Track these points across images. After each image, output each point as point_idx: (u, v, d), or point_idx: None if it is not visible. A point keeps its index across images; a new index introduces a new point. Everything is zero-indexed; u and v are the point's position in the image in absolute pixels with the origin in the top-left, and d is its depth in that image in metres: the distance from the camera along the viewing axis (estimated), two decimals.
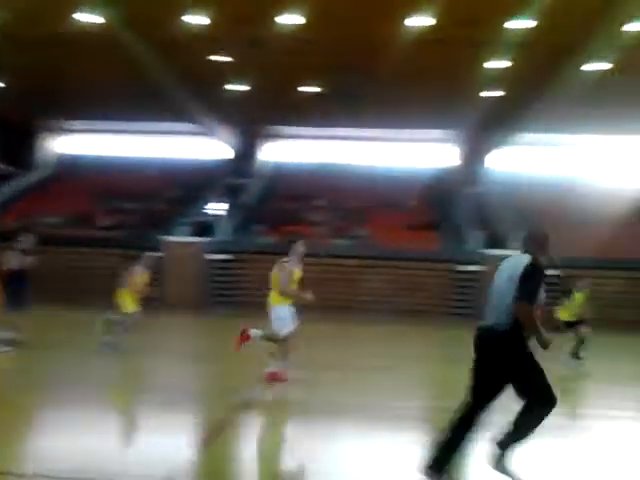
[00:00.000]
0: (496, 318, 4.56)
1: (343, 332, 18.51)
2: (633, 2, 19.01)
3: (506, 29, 21.96)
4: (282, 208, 33.47)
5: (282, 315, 8.51)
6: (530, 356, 4.52)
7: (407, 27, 22.41)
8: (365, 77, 27.16)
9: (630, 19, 20.32)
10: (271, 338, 8.66)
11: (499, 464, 4.39)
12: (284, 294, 8.49)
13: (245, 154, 39.57)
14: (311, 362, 10.01)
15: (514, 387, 4.51)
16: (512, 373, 4.42)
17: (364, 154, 40.24)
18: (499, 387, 4.54)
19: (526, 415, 4.48)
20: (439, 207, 34.58)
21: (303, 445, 5.69)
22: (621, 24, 20.56)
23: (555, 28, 21.51)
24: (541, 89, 26.96)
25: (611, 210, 33.64)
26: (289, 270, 8.61)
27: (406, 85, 28.32)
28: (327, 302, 28.03)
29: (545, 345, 4.63)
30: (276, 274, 8.73)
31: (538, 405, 4.45)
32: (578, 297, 13.10)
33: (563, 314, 12.92)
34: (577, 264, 28.69)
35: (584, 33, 21.78)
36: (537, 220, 33.12)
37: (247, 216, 33.26)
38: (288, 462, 5.54)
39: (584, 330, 12.66)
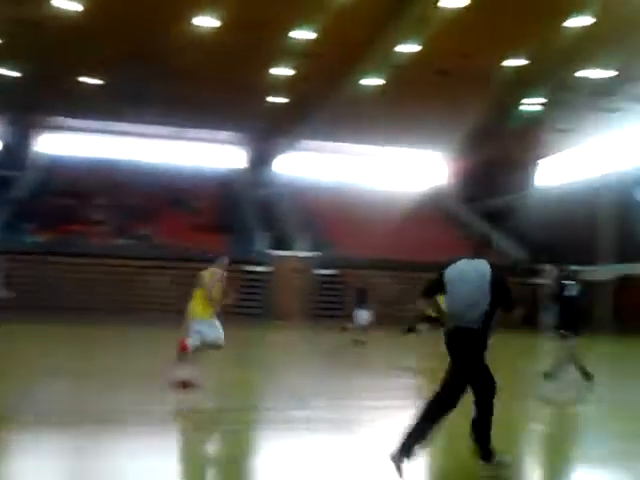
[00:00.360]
0: (468, 321, 4.81)
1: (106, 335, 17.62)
2: (405, 26, 20.85)
3: (290, 38, 22.74)
4: (57, 205, 30.92)
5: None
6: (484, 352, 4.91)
7: (195, 27, 22.22)
8: (151, 72, 26.31)
9: (403, 40, 22.27)
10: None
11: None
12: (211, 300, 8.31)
13: (16, 145, 36.05)
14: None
15: (472, 379, 4.80)
16: (475, 366, 4.75)
17: (150, 151, 39.00)
18: (470, 380, 4.83)
19: (483, 407, 4.80)
20: (227, 209, 34.68)
21: None
22: (394, 44, 22.44)
23: (335, 42, 22.86)
24: (323, 99, 28.41)
25: (389, 214, 36.61)
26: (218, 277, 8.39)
27: (193, 84, 28.05)
28: (107, 304, 26.96)
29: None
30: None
31: (489, 393, 4.81)
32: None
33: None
34: (358, 264, 30.84)
35: (362, 49, 23.43)
36: (320, 223, 34.87)
37: (16, 212, 30.22)
38: None
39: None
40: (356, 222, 35.05)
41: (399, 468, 4.49)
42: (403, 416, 7.13)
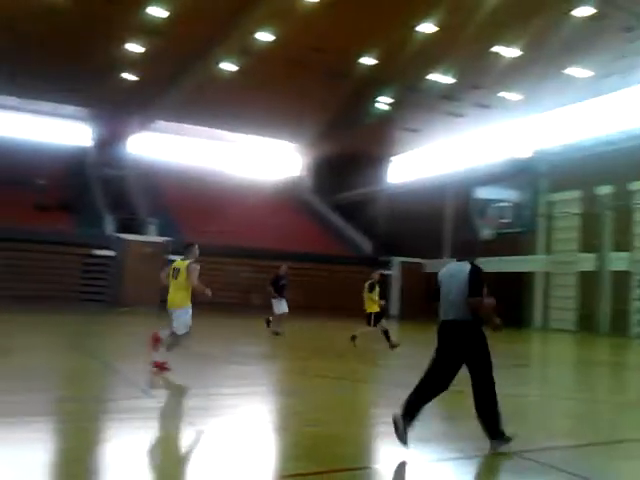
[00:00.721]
0: (454, 315, 5.37)
1: None
2: (261, 15, 20.81)
3: (144, 14, 21.83)
4: None
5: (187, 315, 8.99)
6: (485, 340, 5.38)
7: None
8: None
9: (258, 29, 22.23)
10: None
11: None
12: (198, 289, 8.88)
13: None
14: None
15: (471, 364, 5.32)
16: (474, 354, 5.29)
17: None
18: (459, 365, 5.33)
19: (482, 390, 5.35)
20: (74, 188, 32.68)
21: None
22: (249, 32, 22.33)
23: (190, 23, 22.33)
24: (177, 79, 27.64)
25: (244, 202, 36.52)
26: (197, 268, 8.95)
27: (39, 53, 26.06)
28: None
29: (497, 327, 5.62)
30: (183, 273, 8.86)
31: (488, 378, 5.38)
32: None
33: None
34: (211, 251, 30.38)
35: (217, 33, 23.07)
36: (172, 207, 33.96)
37: None
38: None
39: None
40: (209, 208, 34.62)
41: (400, 433, 4.88)
42: (231, 403, 7.21)
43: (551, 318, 26.66)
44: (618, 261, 24.20)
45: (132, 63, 26.55)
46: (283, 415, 6.22)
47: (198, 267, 8.93)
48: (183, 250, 9.40)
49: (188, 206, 34.14)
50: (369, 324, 13.43)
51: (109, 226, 29.22)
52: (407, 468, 4.60)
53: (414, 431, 5.77)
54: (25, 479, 3.96)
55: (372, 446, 5.43)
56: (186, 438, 5.14)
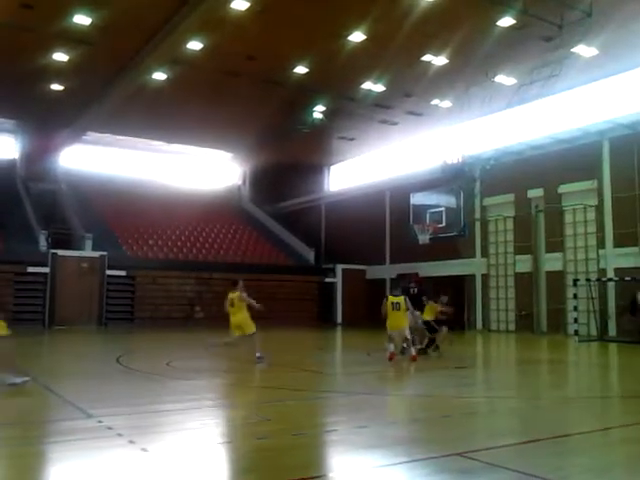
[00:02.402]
0: None
1: None
2: (191, 22, 20.51)
3: (70, 22, 21.21)
4: None
5: None
6: None
7: None
8: None
9: (189, 38, 21.94)
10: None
11: None
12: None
13: None
14: None
15: None
16: None
17: None
18: None
19: None
20: (3, 203, 31.39)
21: None
22: (180, 41, 22.01)
23: (118, 32, 21.87)
24: (107, 90, 26.98)
25: (182, 213, 35.95)
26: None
27: None
28: None
29: None
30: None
31: None
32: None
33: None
34: (148, 265, 29.80)
35: (145, 42, 22.64)
36: (107, 221, 33.09)
37: None
38: None
39: None
40: (148, 220, 33.99)
41: None
42: (173, 419, 7.05)
43: (491, 319, 27.32)
44: (552, 261, 25.06)
45: (60, 73, 25.73)
46: (229, 428, 6.10)
47: (245, 294, 11.81)
48: (232, 285, 12.08)
49: (126, 219, 33.40)
50: (434, 331, 14.06)
51: (42, 242, 28.22)
52: (356, 475, 4.57)
53: (362, 437, 5.79)
54: None
55: (322, 455, 5.38)
56: (129, 458, 4.97)
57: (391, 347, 12.33)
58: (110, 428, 5.96)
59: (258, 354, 11.39)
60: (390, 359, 12.16)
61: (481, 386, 10.18)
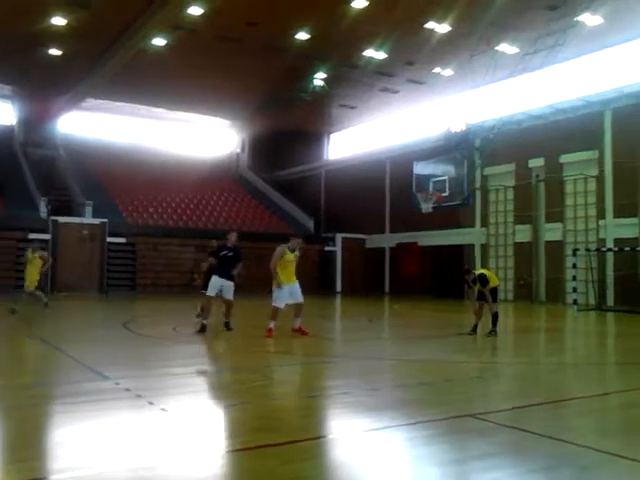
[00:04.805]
0: None
1: None
2: None
3: None
4: None
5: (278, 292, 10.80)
6: None
7: None
8: None
9: (189, 2, 21.61)
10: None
11: None
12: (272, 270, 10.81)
13: None
14: None
15: None
16: None
17: None
18: None
19: None
20: (2, 169, 31.26)
21: None
22: (182, 5, 21.70)
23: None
24: (106, 56, 26.66)
25: (183, 180, 35.86)
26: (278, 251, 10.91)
27: None
28: None
29: None
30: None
31: None
32: None
33: None
34: (149, 232, 29.83)
35: (145, 6, 22.31)
36: (108, 187, 33.02)
37: None
38: None
39: None
40: (147, 187, 33.93)
41: None
42: (188, 381, 7.19)
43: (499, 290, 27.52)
44: (552, 231, 25.18)
45: (57, 37, 25.35)
46: (242, 390, 6.24)
47: (279, 250, 10.92)
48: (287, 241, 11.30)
49: (125, 186, 33.34)
50: (494, 300, 11.64)
51: (43, 209, 28.19)
52: (375, 434, 4.71)
53: (375, 399, 5.94)
54: None
55: (337, 415, 5.52)
56: (148, 418, 5.10)
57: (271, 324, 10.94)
58: (128, 390, 6.09)
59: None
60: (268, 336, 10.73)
61: (483, 352, 10.36)
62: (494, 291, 11.71)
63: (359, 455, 4.16)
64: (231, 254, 11.31)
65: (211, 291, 11.09)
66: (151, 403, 5.48)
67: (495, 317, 11.57)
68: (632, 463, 4.00)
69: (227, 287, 11.23)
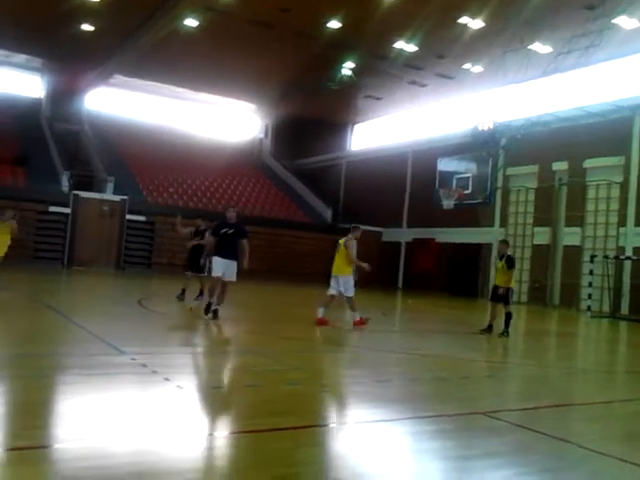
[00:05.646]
0: None
1: None
2: None
3: None
4: None
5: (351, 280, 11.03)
6: None
7: None
8: None
9: None
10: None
11: None
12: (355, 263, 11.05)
13: None
14: None
15: None
16: None
17: None
18: None
19: None
20: (26, 141, 31.62)
21: None
22: None
23: None
24: (136, 34, 26.80)
25: (204, 162, 36.03)
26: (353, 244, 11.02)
27: None
28: None
29: None
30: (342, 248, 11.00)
31: None
32: None
33: None
34: (168, 212, 29.95)
35: None
36: (130, 165, 33.26)
37: None
38: None
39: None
40: (169, 168, 34.12)
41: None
42: (204, 361, 7.30)
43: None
44: (570, 236, 24.99)
45: (91, 13, 25.54)
46: (258, 374, 6.32)
47: (354, 242, 10.98)
48: (350, 229, 11.38)
49: (147, 165, 33.57)
50: (507, 302, 11.57)
51: (65, 182, 28.47)
52: (385, 424, 4.76)
53: (387, 390, 6.00)
54: None
55: (350, 404, 5.59)
56: (163, 394, 5.19)
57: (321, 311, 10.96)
58: (144, 365, 6.20)
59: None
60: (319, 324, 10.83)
61: (495, 352, 10.36)
62: (508, 292, 11.69)
63: (365, 445, 4.21)
64: (232, 231, 10.47)
65: (217, 271, 10.37)
66: (167, 379, 5.58)
67: (508, 317, 11.55)
68: (637, 468, 4.02)
69: (230, 267, 10.36)
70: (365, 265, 10.95)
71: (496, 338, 11.31)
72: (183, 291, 13.59)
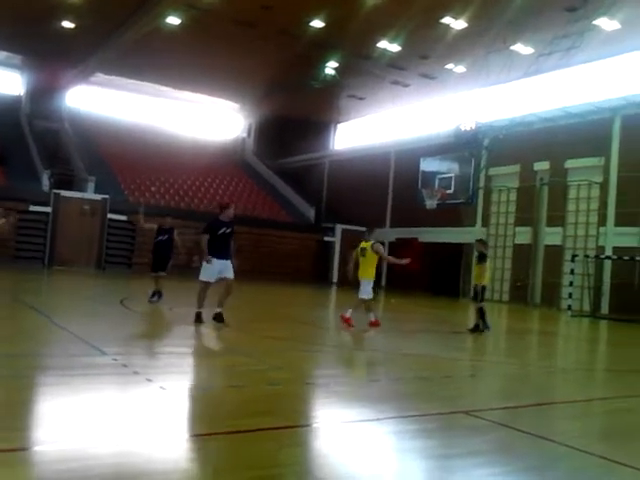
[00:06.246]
0: None
1: None
2: None
3: None
4: None
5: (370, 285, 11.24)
6: None
7: None
8: None
9: None
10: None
11: None
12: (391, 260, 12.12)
13: None
14: None
15: None
16: None
17: None
18: None
19: None
20: (6, 139, 31.20)
21: None
22: None
23: None
24: (118, 31, 26.60)
25: (186, 161, 35.82)
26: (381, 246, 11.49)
27: None
28: None
29: None
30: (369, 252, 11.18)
31: None
32: None
33: None
34: (150, 211, 29.70)
35: None
36: (111, 164, 32.98)
37: None
38: None
39: None
40: (151, 167, 33.90)
41: None
42: (186, 361, 7.26)
43: (487, 289, 27.55)
44: (552, 235, 25.22)
45: (71, 10, 25.31)
46: (241, 373, 6.30)
47: (380, 246, 11.37)
48: (366, 232, 11.77)
49: (129, 164, 33.31)
50: (476, 299, 12.28)
51: (45, 181, 28.16)
52: (367, 425, 4.77)
53: (372, 390, 6.00)
54: None
55: (335, 404, 5.58)
56: (146, 395, 5.15)
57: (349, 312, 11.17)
58: (125, 366, 6.15)
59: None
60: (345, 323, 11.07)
61: (477, 351, 10.43)
62: (482, 289, 12.19)
63: (348, 444, 4.21)
64: (229, 230, 10.04)
65: (210, 276, 9.93)
66: (149, 380, 5.53)
67: (482, 313, 11.88)
68: (617, 466, 4.07)
69: (227, 267, 9.99)
70: (403, 261, 11.33)
71: (478, 337, 11.38)
72: (154, 293, 12.98)
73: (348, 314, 11.06)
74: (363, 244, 11.39)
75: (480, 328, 11.69)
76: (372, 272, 11.21)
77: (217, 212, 10.35)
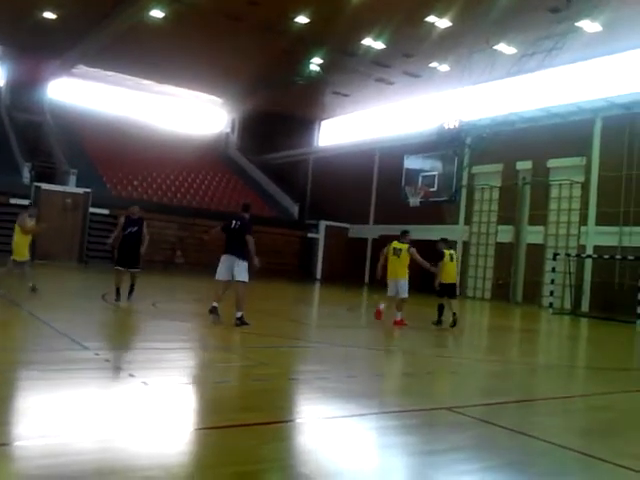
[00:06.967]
0: None
1: None
2: None
3: None
4: None
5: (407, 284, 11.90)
6: None
7: None
8: None
9: None
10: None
11: None
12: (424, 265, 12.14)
13: None
14: None
15: None
16: None
17: None
18: None
19: None
20: None
21: None
22: None
23: None
24: (101, 23, 26.35)
25: (169, 156, 35.59)
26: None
27: None
28: None
29: None
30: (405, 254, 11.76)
31: None
32: None
33: None
34: (131, 205, 29.47)
35: None
36: (93, 157, 32.68)
37: None
38: None
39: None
40: (133, 161, 33.65)
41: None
42: (170, 357, 7.23)
43: (468, 286, 27.79)
44: (534, 234, 25.45)
45: (53, 1, 25.03)
46: (226, 369, 6.29)
47: (414, 249, 11.92)
48: (400, 235, 12.19)
49: (111, 157, 33.03)
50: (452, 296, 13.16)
51: (26, 174, 27.83)
52: (349, 420, 4.79)
53: (354, 386, 6.02)
54: None
55: (319, 399, 5.59)
56: (128, 390, 5.12)
57: (382, 305, 12.00)
58: (107, 361, 6.11)
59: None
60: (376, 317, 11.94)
61: (459, 348, 10.52)
62: (451, 287, 13.04)
63: (331, 440, 4.22)
64: (239, 224, 9.63)
65: (222, 275, 9.54)
66: (132, 375, 5.50)
67: (440, 308, 12.67)
68: (596, 461, 4.12)
69: (240, 266, 9.50)
70: (432, 269, 12.30)
71: (461, 334, 11.46)
72: (126, 289, 12.08)
73: (399, 316, 11.66)
74: (397, 245, 11.93)
75: (435, 322, 12.43)
76: (406, 272, 11.93)
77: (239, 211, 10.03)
